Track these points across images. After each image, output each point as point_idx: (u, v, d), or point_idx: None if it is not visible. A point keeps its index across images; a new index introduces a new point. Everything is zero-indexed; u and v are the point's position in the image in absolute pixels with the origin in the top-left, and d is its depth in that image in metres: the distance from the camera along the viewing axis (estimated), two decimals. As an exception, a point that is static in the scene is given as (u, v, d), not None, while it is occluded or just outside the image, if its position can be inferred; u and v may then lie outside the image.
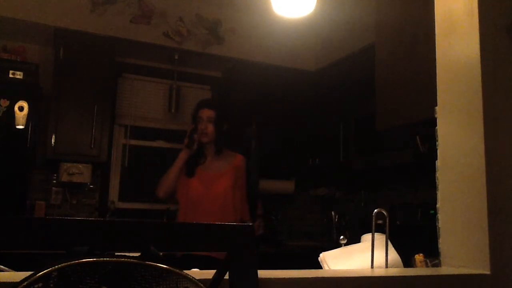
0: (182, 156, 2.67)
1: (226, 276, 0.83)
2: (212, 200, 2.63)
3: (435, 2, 1.49)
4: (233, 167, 2.72)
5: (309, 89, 4.11)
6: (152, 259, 0.70)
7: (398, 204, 3.45)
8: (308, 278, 1.03)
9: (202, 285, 0.73)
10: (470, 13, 1.33)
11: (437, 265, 1.36)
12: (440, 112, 1.42)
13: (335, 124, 3.87)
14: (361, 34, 3.59)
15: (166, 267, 0.71)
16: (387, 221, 1.32)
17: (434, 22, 1.48)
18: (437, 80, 1.44)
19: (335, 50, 4.01)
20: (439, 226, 1.37)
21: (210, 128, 2.68)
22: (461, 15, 1.37)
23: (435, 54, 1.46)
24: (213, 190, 2.65)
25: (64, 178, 3.44)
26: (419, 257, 1.43)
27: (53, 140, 3.36)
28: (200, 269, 1.07)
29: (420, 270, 1.35)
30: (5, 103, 3.04)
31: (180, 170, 2.67)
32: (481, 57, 1.29)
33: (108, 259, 0.68)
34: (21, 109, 3.07)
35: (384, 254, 1.30)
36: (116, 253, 0.70)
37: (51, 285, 0.65)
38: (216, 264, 0.85)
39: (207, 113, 2.71)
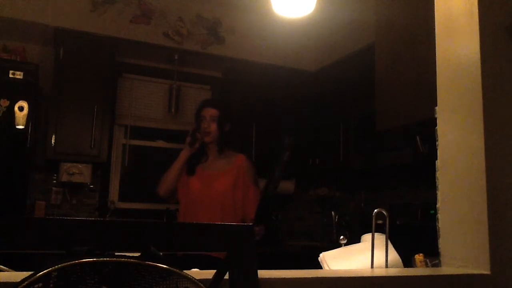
0: (183, 154, 2.67)
1: (226, 276, 0.83)
2: (212, 199, 2.63)
3: (435, 2, 1.49)
4: (234, 166, 2.71)
5: (309, 89, 4.12)
6: (152, 259, 0.70)
7: (398, 204, 3.46)
8: (308, 278, 1.03)
9: (202, 285, 0.73)
10: (470, 13, 1.33)
11: (437, 265, 1.36)
12: (440, 112, 1.42)
13: (335, 124, 3.87)
14: (361, 34, 3.59)
15: (166, 267, 0.71)
16: (387, 221, 1.32)
17: (434, 22, 1.48)
18: (437, 80, 1.44)
19: (335, 50, 4.02)
20: (439, 226, 1.37)
21: (213, 127, 2.67)
22: (461, 15, 1.37)
23: (435, 54, 1.46)
24: (212, 189, 2.65)
25: (64, 178, 3.44)
26: (419, 257, 1.43)
27: (53, 140, 3.36)
28: (200, 269, 1.07)
29: (420, 270, 1.35)
30: (5, 103, 3.04)
31: (181, 168, 2.67)
32: (481, 57, 1.28)
33: (108, 259, 0.68)
34: (21, 109, 3.07)
35: (384, 254, 1.30)
36: (116, 253, 0.70)
37: (51, 285, 0.65)
38: (217, 263, 0.85)
39: (210, 112, 2.71)
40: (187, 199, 2.67)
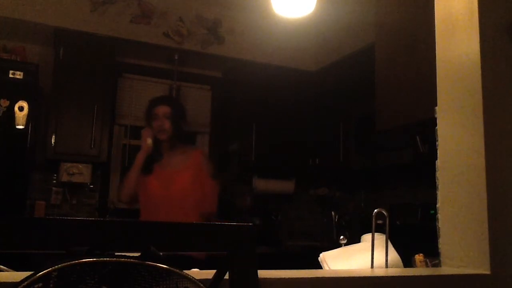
0: (140, 157, 2.65)
1: (226, 276, 0.83)
2: (173, 198, 2.60)
3: (435, 2, 1.49)
4: (192, 163, 2.69)
5: (309, 89, 4.12)
6: (152, 259, 0.70)
7: (398, 204, 3.45)
8: (308, 278, 1.03)
9: (202, 285, 0.73)
10: (470, 13, 1.33)
11: (437, 265, 1.36)
12: (440, 112, 1.42)
13: (335, 124, 3.87)
14: (361, 34, 3.59)
15: (166, 267, 0.71)
16: (387, 221, 1.32)
17: (434, 22, 1.48)
18: (437, 80, 1.44)
19: (335, 50, 4.02)
20: (439, 226, 1.37)
21: (167, 124, 2.66)
22: (461, 15, 1.37)
23: (435, 54, 1.46)
24: (172, 188, 2.62)
25: (64, 178, 3.44)
26: (419, 257, 1.43)
27: (53, 140, 3.36)
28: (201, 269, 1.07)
29: (420, 270, 1.35)
30: (5, 103, 3.04)
31: (140, 171, 2.65)
32: (481, 57, 1.28)
33: (108, 259, 0.68)
34: (21, 109, 3.07)
35: (384, 254, 1.30)
36: (116, 253, 0.70)
37: (51, 285, 0.65)
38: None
39: (163, 110, 2.68)
40: (147, 200, 2.64)
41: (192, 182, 2.64)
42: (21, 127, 3.07)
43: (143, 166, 2.65)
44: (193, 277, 0.73)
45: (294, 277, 1.01)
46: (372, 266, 1.29)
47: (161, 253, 0.72)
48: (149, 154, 2.65)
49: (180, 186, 2.62)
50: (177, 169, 2.66)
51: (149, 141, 2.64)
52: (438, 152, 1.41)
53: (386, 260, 1.30)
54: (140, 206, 2.68)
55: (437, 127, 1.42)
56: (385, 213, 1.31)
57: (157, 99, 2.88)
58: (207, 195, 2.66)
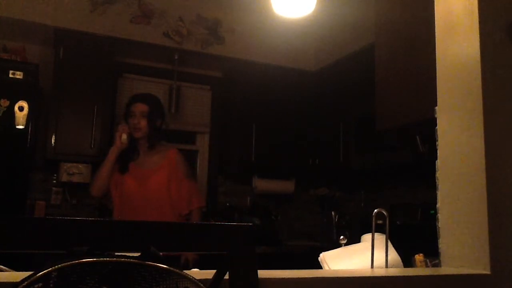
0: (113, 152, 2.65)
1: (226, 276, 0.83)
2: (147, 197, 2.60)
3: (435, 2, 1.49)
4: (167, 162, 2.69)
5: (309, 89, 4.12)
6: (152, 259, 0.70)
7: (398, 204, 3.46)
8: (308, 278, 1.03)
9: (202, 285, 0.73)
10: (470, 13, 1.33)
11: (437, 265, 1.36)
12: (440, 112, 1.42)
13: (335, 124, 3.87)
14: (361, 34, 3.59)
15: (166, 267, 0.71)
16: (387, 221, 1.32)
17: (434, 22, 1.48)
18: (437, 80, 1.44)
19: (335, 50, 4.02)
20: (439, 226, 1.37)
21: (143, 122, 2.65)
22: (461, 15, 1.37)
23: (435, 54, 1.46)
24: (147, 187, 2.62)
25: (64, 178, 3.44)
26: (419, 257, 1.43)
27: (53, 140, 3.36)
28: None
29: (420, 270, 1.35)
30: (5, 103, 3.04)
31: (112, 167, 2.65)
32: (481, 57, 1.28)
33: (108, 259, 0.68)
34: (21, 109, 3.07)
35: (384, 254, 1.30)
36: (116, 253, 0.70)
37: (51, 285, 0.65)
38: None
39: (140, 108, 2.68)
40: (121, 198, 2.64)
41: (167, 182, 2.64)
42: (21, 127, 3.07)
43: (120, 164, 2.65)
44: (193, 277, 0.73)
45: (294, 277, 1.01)
46: (372, 266, 1.29)
47: (161, 253, 0.72)
48: (122, 149, 2.65)
49: (155, 185, 2.63)
50: (153, 168, 2.66)
51: (124, 137, 2.64)
52: (438, 152, 1.41)
53: (386, 260, 1.30)
54: (115, 205, 2.68)
55: (437, 127, 1.42)
56: (385, 213, 1.31)
57: (136, 96, 2.89)
58: (182, 196, 2.65)
